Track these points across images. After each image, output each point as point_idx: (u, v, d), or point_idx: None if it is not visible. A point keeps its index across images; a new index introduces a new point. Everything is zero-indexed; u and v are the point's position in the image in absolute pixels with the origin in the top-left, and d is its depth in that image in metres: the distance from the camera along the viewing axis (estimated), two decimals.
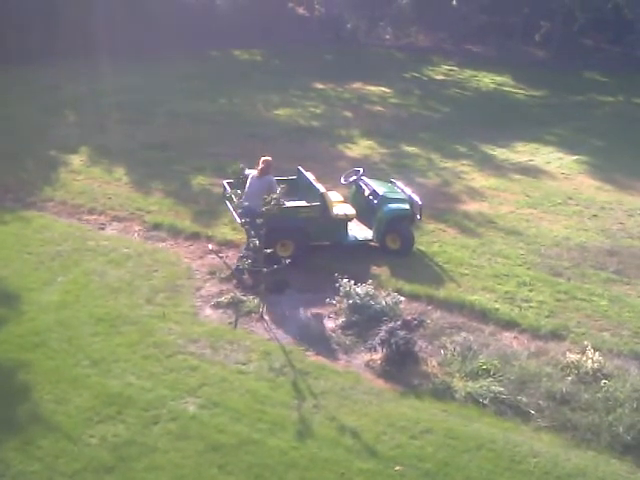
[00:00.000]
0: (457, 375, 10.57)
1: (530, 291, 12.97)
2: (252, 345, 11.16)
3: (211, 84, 25.06)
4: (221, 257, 12.73)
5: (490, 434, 9.57)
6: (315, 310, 12.10)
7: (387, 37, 35.27)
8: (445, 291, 12.70)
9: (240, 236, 13.80)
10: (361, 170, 15.00)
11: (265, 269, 11.71)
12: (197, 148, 18.85)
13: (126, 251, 13.76)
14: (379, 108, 24.68)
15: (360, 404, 9.99)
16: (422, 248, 14.27)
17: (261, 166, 12.96)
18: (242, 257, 12.40)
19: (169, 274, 13.00)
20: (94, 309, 11.79)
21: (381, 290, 12.28)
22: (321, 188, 13.65)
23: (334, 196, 14.17)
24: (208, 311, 12.01)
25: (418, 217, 14.19)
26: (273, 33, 31.09)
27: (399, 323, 11.05)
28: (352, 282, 11.92)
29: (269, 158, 13.06)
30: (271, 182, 12.77)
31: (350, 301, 11.75)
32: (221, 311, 11.98)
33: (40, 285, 12.44)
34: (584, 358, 10.79)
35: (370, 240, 14.01)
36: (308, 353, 11.09)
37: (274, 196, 11.69)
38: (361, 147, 20.30)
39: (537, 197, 17.33)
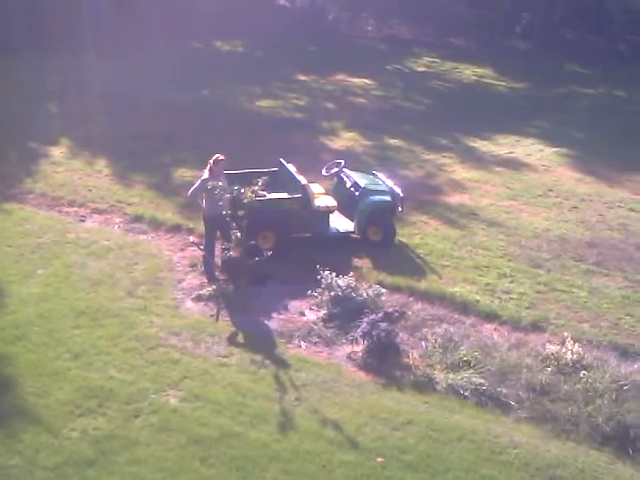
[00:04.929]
0: (438, 367, 10.62)
1: (510, 283, 13.04)
2: (233, 338, 11.17)
3: (193, 76, 24.92)
4: (202, 249, 12.70)
5: (471, 425, 9.64)
6: (296, 302, 12.12)
7: (369, 29, 35.15)
8: (426, 283, 12.75)
9: None
10: (343, 162, 15.01)
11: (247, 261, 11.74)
12: (179, 140, 18.77)
13: (107, 243, 13.72)
14: (362, 100, 24.64)
15: (342, 396, 10.03)
16: (404, 240, 14.31)
17: (209, 167, 12.46)
18: (224, 249, 12.40)
19: (150, 266, 12.97)
20: (75, 302, 11.76)
21: (363, 282, 12.33)
22: (303, 180, 13.65)
23: (316, 188, 14.17)
24: (189, 304, 12.01)
25: (399, 209, 14.22)
26: (254, 24, 30.84)
27: (380, 315, 11.10)
28: (334, 274, 11.95)
29: (218, 156, 12.46)
30: (202, 185, 12.23)
31: (332, 293, 11.78)
32: (202, 304, 11.98)
33: (20, 278, 12.39)
34: (564, 349, 10.88)
35: (352, 232, 14.02)
36: (289, 345, 11.13)
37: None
38: (344, 139, 20.29)
39: (518, 189, 17.40)
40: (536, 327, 11.80)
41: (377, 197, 14.00)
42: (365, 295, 11.77)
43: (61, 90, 18.41)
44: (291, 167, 14.20)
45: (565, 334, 11.38)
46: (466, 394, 10.16)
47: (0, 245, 13.48)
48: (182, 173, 16.98)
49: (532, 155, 19.96)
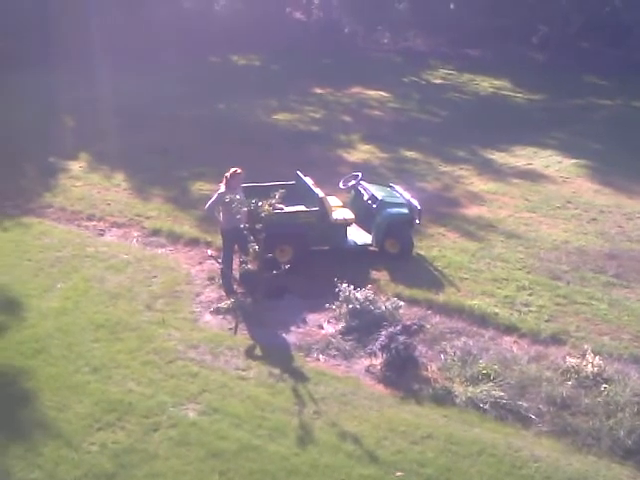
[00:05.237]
0: (457, 380, 10.56)
1: (530, 295, 12.96)
2: (252, 351, 11.16)
3: (210, 89, 25.07)
4: (220, 263, 12.72)
5: (491, 439, 9.56)
6: (315, 315, 12.10)
7: (385, 41, 35.25)
8: (444, 296, 12.69)
9: None
10: (360, 175, 15.01)
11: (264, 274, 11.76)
12: (196, 153, 18.86)
13: (125, 257, 13.77)
14: (378, 113, 24.70)
15: (360, 409, 9.99)
16: (421, 252, 14.27)
17: (225, 180, 12.49)
18: (242, 262, 12.40)
19: (168, 280, 13.01)
20: (94, 315, 11.79)
21: (381, 295, 12.29)
22: (320, 193, 13.65)
23: (333, 201, 14.17)
24: (208, 317, 12.01)
25: (417, 221, 14.19)
26: (271, 38, 31.05)
27: (399, 328, 11.06)
28: (351, 287, 11.91)
29: (235, 170, 12.49)
30: (219, 198, 12.32)
31: (350, 306, 11.74)
32: (220, 317, 11.99)
33: (40, 292, 12.45)
34: (584, 362, 10.79)
35: (369, 245, 14.01)
36: (308, 359, 11.09)
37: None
38: (360, 152, 20.31)
39: (536, 201, 17.33)
40: (556, 340, 11.69)
41: (395, 210, 13.98)
42: (383, 308, 11.73)
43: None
44: (308, 180, 14.21)
45: (585, 347, 11.28)
46: (486, 407, 10.08)
47: (20, 259, 13.57)
48: (199, 186, 17.04)
49: (550, 167, 19.90)
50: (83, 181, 17.36)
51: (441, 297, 12.63)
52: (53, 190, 16.74)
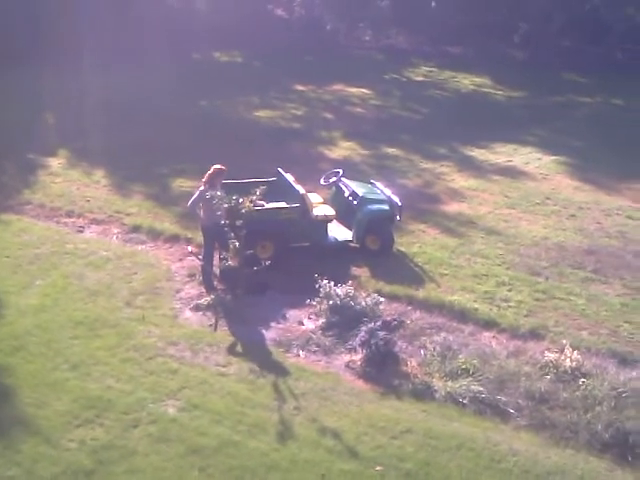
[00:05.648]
0: (437, 375, 10.61)
1: (509, 291, 13.03)
2: (232, 347, 11.15)
3: (192, 86, 24.99)
4: (200, 259, 12.71)
5: (470, 433, 9.62)
6: (295, 311, 12.11)
7: (367, 39, 35.28)
8: (425, 291, 12.74)
9: None
10: (341, 171, 15.03)
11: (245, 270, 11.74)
12: (177, 150, 18.78)
13: (105, 254, 13.72)
14: (360, 109, 24.72)
15: (340, 405, 10.01)
16: (402, 249, 14.31)
17: (206, 177, 12.54)
18: (222, 259, 12.39)
19: (148, 276, 12.97)
20: (73, 312, 11.74)
21: (361, 291, 12.31)
22: (301, 189, 13.66)
23: (314, 197, 14.19)
24: (188, 313, 12.00)
25: (398, 218, 14.23)
26: (253, 35, 31.00)
27: (379, 324, 11.09)
28: (332, 283, 11.94)
29: (218, 167, 12.59)
30: (201, 195, 12.36)
31: (330, 302, 11.77)
32: (201, 313, 11.97)
33: (19, 289, 12.38)
34: (562, 357, 10.87)
35: (350, 241, 14.03)
36: (288, 355, 11.11)
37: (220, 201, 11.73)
38: (342, 148, 20.33)
39: (516, 197, 17.42)
40: (535, 335, 11.78)
41: (375, 206, 14.01)
42: (363, 304, 11.76)
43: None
44: (289, 177, 14.21)
45: (564, 342, 11.36)
46: (465, 402, 10.14)
47: None
48: (180, 183, 17.00)
49: (530, 163, 20.00)
50: (62, 177, 17.26)
51: (421, 293, 12.68)
52: (32, 187, 16.64)
